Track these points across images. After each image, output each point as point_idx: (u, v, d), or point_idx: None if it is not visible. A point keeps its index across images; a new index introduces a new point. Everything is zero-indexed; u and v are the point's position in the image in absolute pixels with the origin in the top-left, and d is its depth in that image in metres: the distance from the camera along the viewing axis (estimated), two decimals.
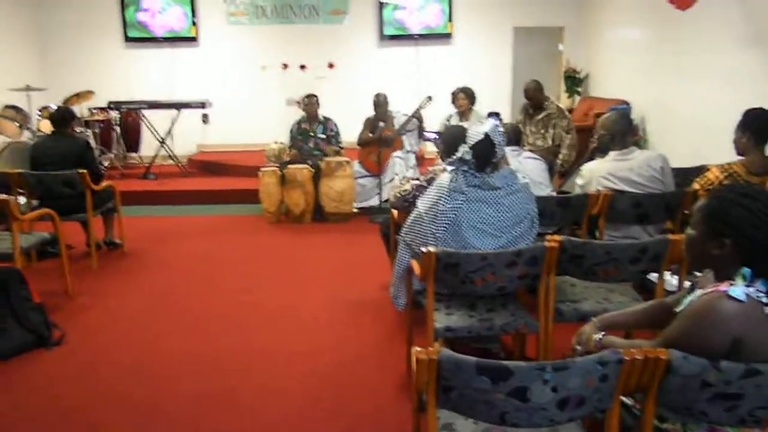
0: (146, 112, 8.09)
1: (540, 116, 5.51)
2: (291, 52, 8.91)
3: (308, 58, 8.92)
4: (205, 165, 8.33)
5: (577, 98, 8.67)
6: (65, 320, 3.67)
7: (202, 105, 7.98)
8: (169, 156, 8.16)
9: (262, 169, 6.20)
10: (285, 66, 8.90)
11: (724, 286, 1.52)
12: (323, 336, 3.54)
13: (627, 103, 6.93)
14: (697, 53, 5.69)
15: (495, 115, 5.07)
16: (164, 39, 8.91)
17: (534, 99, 5.52)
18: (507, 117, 7.67)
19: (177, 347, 3.40)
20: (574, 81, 8.76)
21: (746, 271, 1.52)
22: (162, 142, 7.96)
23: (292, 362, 3.20)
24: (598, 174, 3.62)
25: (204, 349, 3.37)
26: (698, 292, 1.63)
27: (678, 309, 1.68)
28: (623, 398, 1.77)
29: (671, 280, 2.93)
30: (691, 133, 5.65)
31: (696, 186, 3.42)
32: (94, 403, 2.83)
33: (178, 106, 7.98)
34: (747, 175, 3.17)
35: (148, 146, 8.36)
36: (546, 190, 3.93)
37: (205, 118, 8.14)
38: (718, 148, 3.51)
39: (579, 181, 3.75)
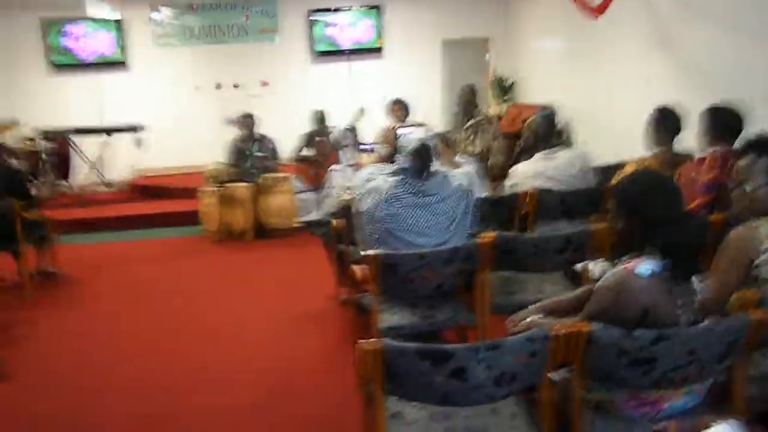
0: (76, 140, 7.91)
1: (470, 123, 5.72)
2: (224, 72, 8.89)
3: (241, 77, 8.92)
4: (144, 189, 8.17)
5: (505, 105, 9.01)
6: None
7: (134, 129, 7.87)
8: (102, 182, 7.99)
9: (201, 189, 6.18)
10: (218, 86, 8.88)
11: (631, 265, 1.69)
12: (271, 350, 3.58)
13: (552, 108, 7.27)
14: (610, 59, 6.06)
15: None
16: (92, 64, 8.70)
17: (466, 105, 5.74)
18: (439, 126, 7.90)
19: (122, 372, 3.38)
20: (502, 89, 9.10)
21: (650, 250, 1.69)
22: (94, 168, 7.78)
23: (239, 379, 3.23)
24: (526, 174, 3.83)
25: (149, 373, 3.35)
26: (608, 269, 1.80)
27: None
28: (553, 376, 1.92)
29: (595, 268, 3.13)
30: (610, 133, 5.99)
31: (615, 181, 3.66)
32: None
33: (109, 131, 7.87)
34: (661, 168, 3.42)
35: (79, 173, 8.17)
36: (481, 191, 4.10)
37: (138, 142, 8.00)
38: (633, 145, 3.77)
39: (508, 182, 3.95)
